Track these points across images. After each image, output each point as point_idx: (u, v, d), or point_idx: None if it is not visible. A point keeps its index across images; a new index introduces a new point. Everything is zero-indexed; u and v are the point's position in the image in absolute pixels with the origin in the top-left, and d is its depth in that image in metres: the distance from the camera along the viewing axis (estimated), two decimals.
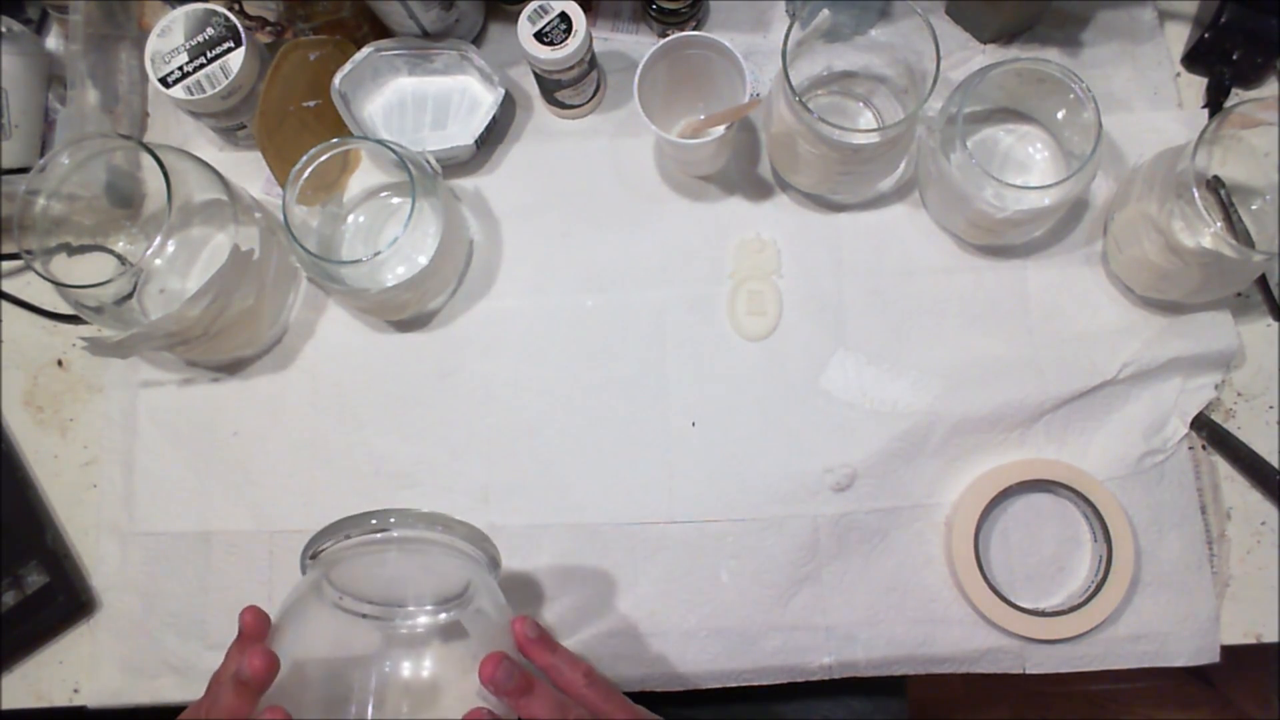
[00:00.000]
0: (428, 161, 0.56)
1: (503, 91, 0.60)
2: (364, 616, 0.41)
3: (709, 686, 0.55)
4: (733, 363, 0.59)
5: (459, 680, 0.41)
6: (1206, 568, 0.55)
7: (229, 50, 0.57)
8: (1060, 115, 0.57)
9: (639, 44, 0.64)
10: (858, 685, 0.56)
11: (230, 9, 0.58)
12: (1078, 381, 0.56)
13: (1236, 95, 0.62)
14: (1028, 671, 0.55)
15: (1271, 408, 0.58)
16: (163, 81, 0.57)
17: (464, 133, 0.60)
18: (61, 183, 0.56)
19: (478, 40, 0.64)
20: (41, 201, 0.55)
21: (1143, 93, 0.62)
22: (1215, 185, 0.55)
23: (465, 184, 0.63)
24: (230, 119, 0.60)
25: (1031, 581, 0.56)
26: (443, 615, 0.42)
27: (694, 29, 0.63)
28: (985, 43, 0.63)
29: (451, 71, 0.61)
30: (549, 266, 0.61)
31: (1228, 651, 0.54)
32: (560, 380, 0.59)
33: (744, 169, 0.62)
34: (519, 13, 0.56)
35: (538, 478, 0.58)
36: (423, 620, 0.42)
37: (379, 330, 0.61)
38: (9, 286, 0.63)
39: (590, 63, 0.58)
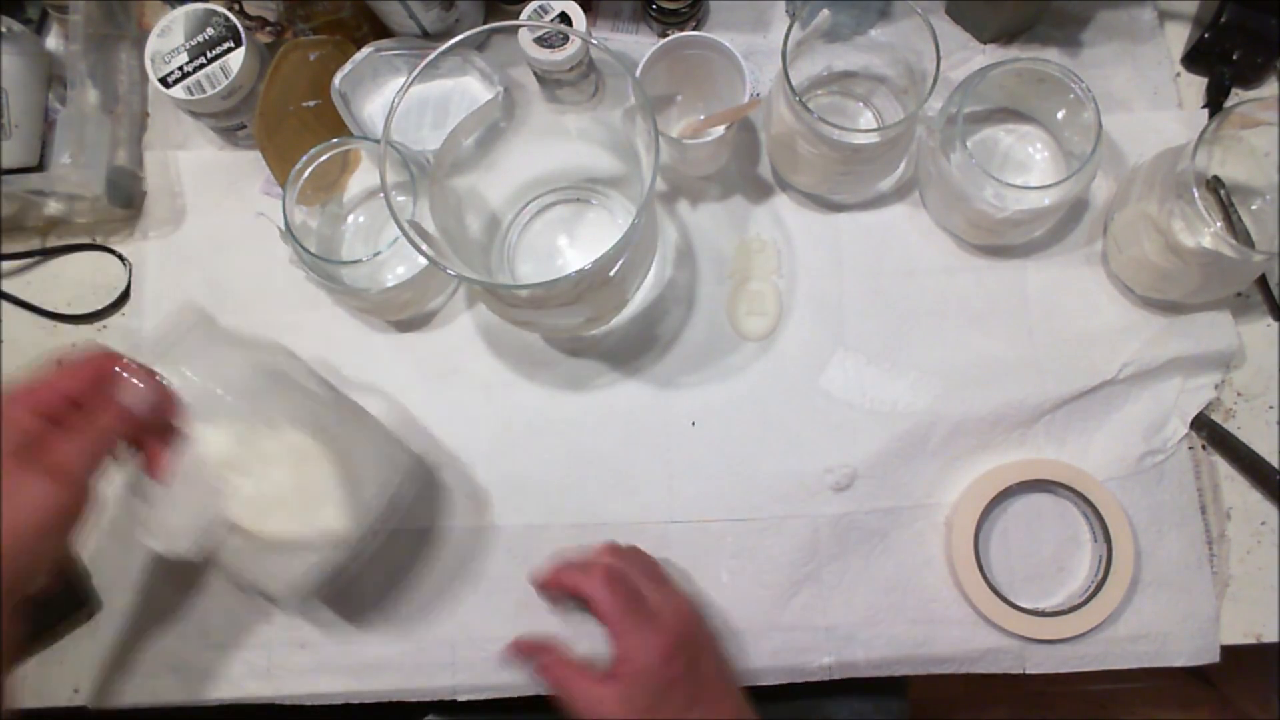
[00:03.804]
0: (428, 161, 0.56)
1: (502, 91, 0.59)
2: None
3: None
4: (733, 363, 0.59)
5: None
6: (1206, 568, 0.55)
7: (229, 50, 0.57)
8: (1060, 115, 0.57)
9: (639, 44, 0.64)
10: (858, 685, 0.55)
11: (230, 9, 0.58)
12: (1078, 381, 0.56)
13: (1236, 95, 0.62)
14: (1028, 671, 0.55)
15: (1271, 408, 0.58)
16: (163, 81, 0.57)
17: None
18: (62, 183, 0.56)
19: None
20: (41, 201, 0.55)
21: (1143, 93, 0.62)
22: (1215, 185, 0.55)
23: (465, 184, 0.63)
24: (230, 119, 0.60)
25: (1031, 581, 0.56)
26: None
27: (694, 29, 0.63)
28: (985, 43, 0.63)
29: (452, 72, 0.61)
30: (548, 266, 0.61)
31: (1228, 651, 0.54)
32: (560, 380, 0.59)
33: (744, 169, 0.62)
34: (519, 13, 0.56)
35: (538, 478, 0.58)
36: None
37: (379, 330, 0.61)
38: (9, 286, 0.63)
39: (590, 64, 0.58)
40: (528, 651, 0.49)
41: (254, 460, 0.44)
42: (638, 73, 0.54)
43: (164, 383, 0.44)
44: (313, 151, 0.56)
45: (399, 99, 0.48)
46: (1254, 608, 0.55)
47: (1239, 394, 0.58)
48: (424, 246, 0.46)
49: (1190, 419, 0.57)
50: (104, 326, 0.62)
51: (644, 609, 0.46)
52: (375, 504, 0.47)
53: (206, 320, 0.46)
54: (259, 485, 0.44)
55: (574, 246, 0.60)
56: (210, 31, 0.57)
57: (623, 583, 0.46)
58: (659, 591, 0.48)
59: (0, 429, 0.40)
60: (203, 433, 0.44)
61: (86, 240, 0.63)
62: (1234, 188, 0.55)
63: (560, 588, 0.50)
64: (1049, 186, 0.52)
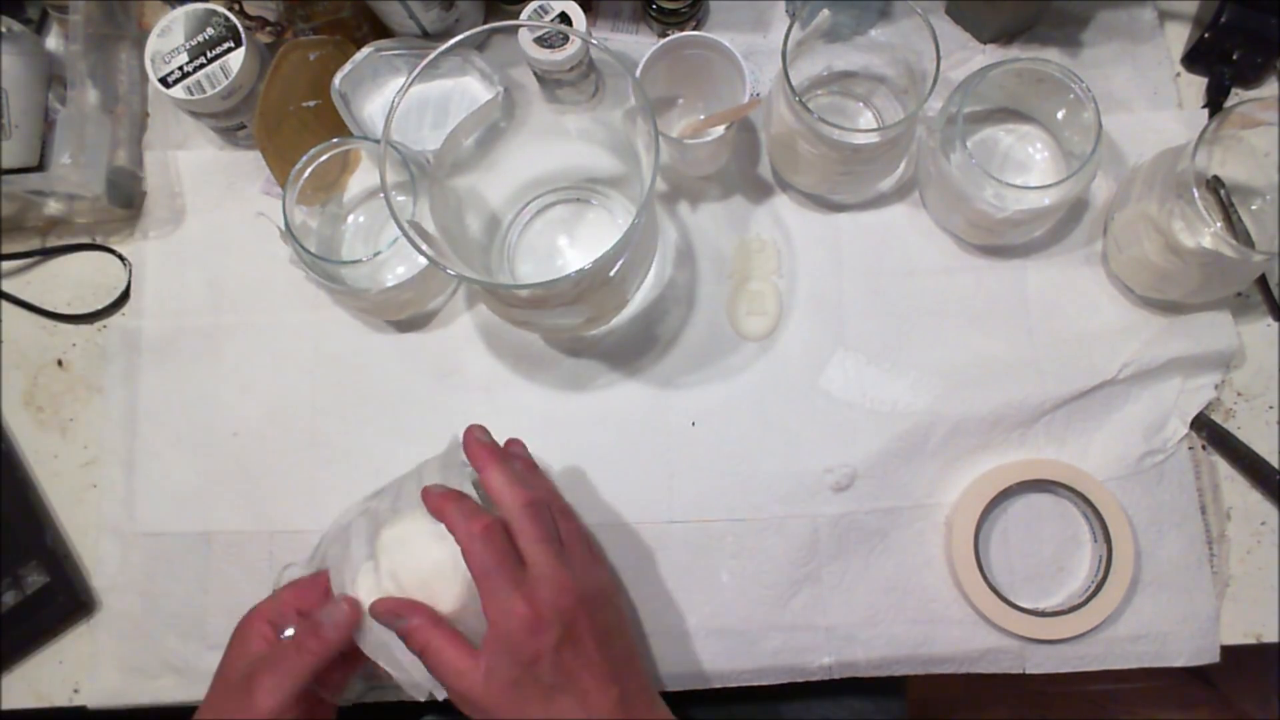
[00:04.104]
0: (428, 161, 0.56)
1: (502, 91, 0.59)
2: None
3: (709, 686, 0.55)
4: (733, 363, 0.59)
5: None
6: (1206, 568, 0.55)
7: (229, 50, 0.57)
8: (1060, 115, 0.57)
9: (639, 44, 0.64)
10: (858, 685, 0.56)
11: (230, 9, 0.58)
12: (1078, 381, 0.56)
13: (1236, 95, 0.62)
14: (1028, 671, 0.55)
15: (1271, 408, 0.58)
16: (163, 81, 0.57)
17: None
18: (61, 183, 0.56)
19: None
20: (41, 201, 0.55)
21: (1143, 93, 0.62)
22: (1215, 185, 0.55)
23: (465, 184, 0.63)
24: (230, 119, 0.60)
25: (1031, 581, 0.56)
26: None
27: (694, 29, 0.63)
28: (985, 43, 0.63)
29: (452, 72, 0.61)
30: (548, 266, 0.61)
31: (1228, 651, 0.54)
32: (560, 380, 0.59)
33: (744, 169, 0.62)
34: (519, 13, 0.56)
35: None
36: None
37: (379, 330, 0.61)
38: (9, 286, 0.63)
39: (589, 64, 0.58)
40: (393, 610, 0.43)
41: (389, 584, 0.45)
42: (638, 73, 0.54)
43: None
44: (313, 151, 0.56)
45: (399, 99, 0.48)
46: (1254, 608, 0.55)
47: (1239, 394, 0.58)
48: (424, 246, 0.47)
49: (1190, 419, 0.57)
50: (104, 326, 0.62)
51: (515, 573, 0.42)
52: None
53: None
54: (410, 593, 0.45)
55: (574, 246, 0.60)
56: (210, 31, 0.57)
57: (497, 540, 0.42)
58: (548, 559, 0.43)
59: (239, 647, 0.47)
60: (358, 594, 0.46)
61: (86, 240, 0.63)
62: (1234, 188, 0.55)
63: (440, 517, 0.44)
64: (1049, 186, 0.52)
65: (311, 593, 0.48)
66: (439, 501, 0.44)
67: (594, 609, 0.44)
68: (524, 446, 0.52)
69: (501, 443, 0.51)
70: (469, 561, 0.42)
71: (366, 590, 0.45)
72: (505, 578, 0.42)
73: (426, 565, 0.45)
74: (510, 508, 0.44)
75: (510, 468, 0.46)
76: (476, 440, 0.47)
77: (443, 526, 0.44)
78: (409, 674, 0.46)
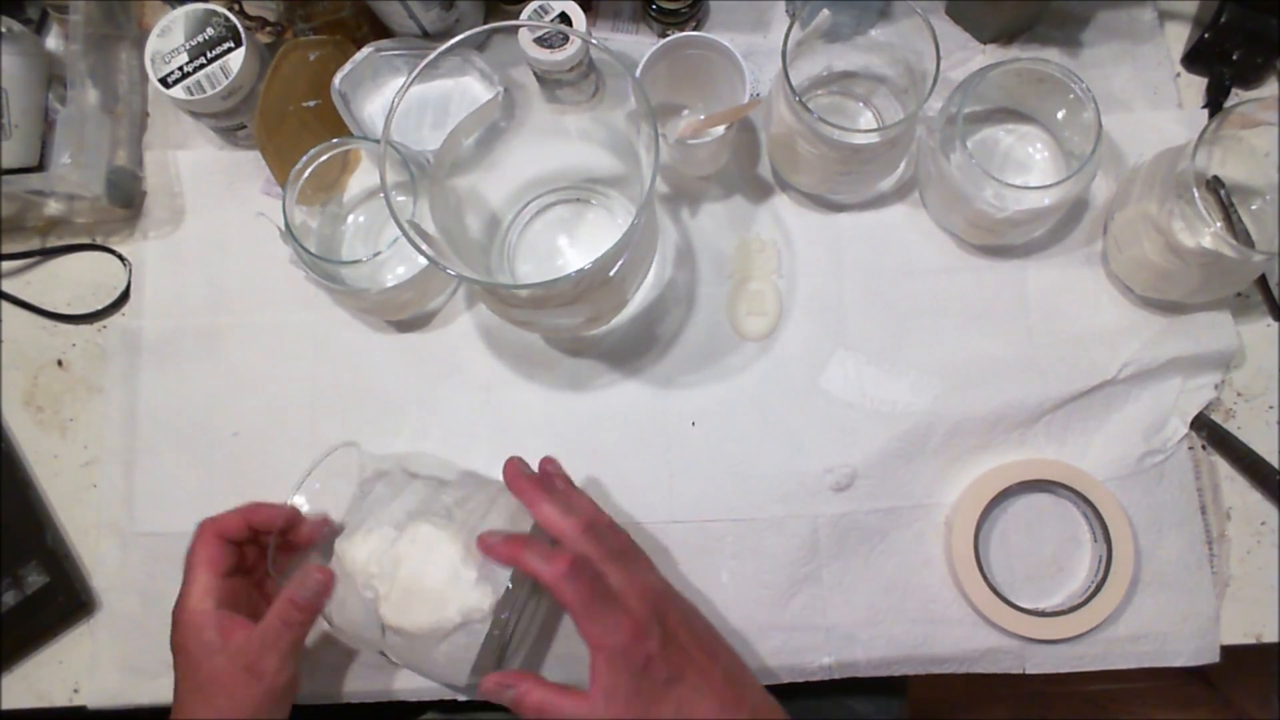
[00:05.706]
0: (428, 161, 0.56)
1: (502, 91, 0.60)
2: None
3: None
4: (733, 363, 0.59)
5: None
6: (1206, 568, 0.55)
7: (229, 50, 0.57)
8: (1060, 115, 0.57)
9: (639, 44, 0.64)
10: (858, 685, 0.56)
11: (230, 9, 0.58)
12: (1078, 381, 0.56)
13: (1236, 95, 0.62)
14: (1028, 671, 0.55)
15: (1271, 408, 0.58)
16: (163, 81, 0.57)
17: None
18: (61, 183, 0.56)
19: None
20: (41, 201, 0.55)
21: (1143, 93, 0.62)
22: (1215, 185, 0.55)
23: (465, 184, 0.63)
24: (230, 119, 0.60)
25: (1031, 581, 0.56)
26: None
27: (694, 29, 0.63)
28: (985, 43, 0.63)
29: (452, 72, 0.61)
30: (548, 266, 0.61)
31: (1228, 651, 0.54)
32: (560, 380, 0.59)
33: (744, 169, 0.62)
34: (519, 13, 0.56)
35: None
36: None
37: (379, 330, 0.61)
38: (9, 286, 0.63)
39: (590, 64, 0.58)
40: (501, 683, 0.46)
41: (388, 563, 0.47)
42: (638, 73, 0.54)
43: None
44: (313, 151, 0.56)
45: (399, 99, 0.48)
46: (1254, 608, 0.55)
47: (1239, 394, 0.58)
48: (424, 246, 0.47)
49: (1190, 419, 0.57)
50: (104, 326, 0.62)
51: (607, 593, 0.45)
52: (504, 569, 0.48)
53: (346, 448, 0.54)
54: (396, 585, 0.47)
55: (574, 246, 0.60)
56: (210, 31, 0.57)
57: (585, 570, 0.44)
58: (622, 571, 0.46)
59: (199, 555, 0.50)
60: (343, 550, 0.49)
61: (86, 240, 0.63)
62: (1234, 188, 0.55)
63: (515, 564, 0.46)
64: (1049, 186, 0.52)
65: (268, 519, 0.51)
66: (511, 551, 0.46)
67: (671, 604, 0.47)
68: (558, 464, 0.53)
69: (535, 463, 0.52)
70: (563, 600, 0.44)
71: (366, 547, 0.48)
72: (602, 601, 0.44)
73: (425, 581, 0.46)
74: (570, 537, 0.46)
75: (556, 498, 0.47)
76: (520, 475, 0.48)
77: (468, 567, 0.47)
78: (367, 641, 0.49)
